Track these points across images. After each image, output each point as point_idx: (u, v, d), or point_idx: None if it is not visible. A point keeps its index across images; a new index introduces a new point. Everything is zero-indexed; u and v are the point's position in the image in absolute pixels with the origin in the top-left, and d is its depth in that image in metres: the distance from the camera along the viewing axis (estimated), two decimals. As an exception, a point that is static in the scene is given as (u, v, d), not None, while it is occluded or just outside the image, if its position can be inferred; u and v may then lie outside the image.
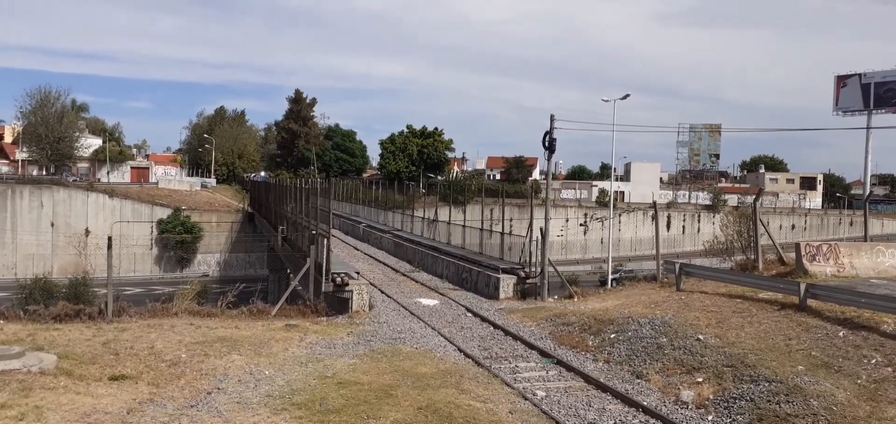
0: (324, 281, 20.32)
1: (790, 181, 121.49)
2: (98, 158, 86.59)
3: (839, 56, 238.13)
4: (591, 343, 17.08)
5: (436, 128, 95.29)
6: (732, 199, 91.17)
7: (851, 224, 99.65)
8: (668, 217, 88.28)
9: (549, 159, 26.30)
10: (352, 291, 20.51)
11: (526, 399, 12.99)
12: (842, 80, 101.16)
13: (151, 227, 65.00)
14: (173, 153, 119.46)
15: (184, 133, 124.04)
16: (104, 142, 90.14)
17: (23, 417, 10.40)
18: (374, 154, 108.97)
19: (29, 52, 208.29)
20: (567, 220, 78.85)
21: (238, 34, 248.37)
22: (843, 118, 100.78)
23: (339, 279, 20.52)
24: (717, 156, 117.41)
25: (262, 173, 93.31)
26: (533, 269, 23.94)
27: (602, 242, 74.44)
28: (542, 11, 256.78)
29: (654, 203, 33.01)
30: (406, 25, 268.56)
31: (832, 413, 11.46)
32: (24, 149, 79.83)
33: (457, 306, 22.40)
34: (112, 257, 18.59)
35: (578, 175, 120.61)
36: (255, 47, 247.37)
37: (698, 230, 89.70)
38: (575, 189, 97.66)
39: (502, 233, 27.35)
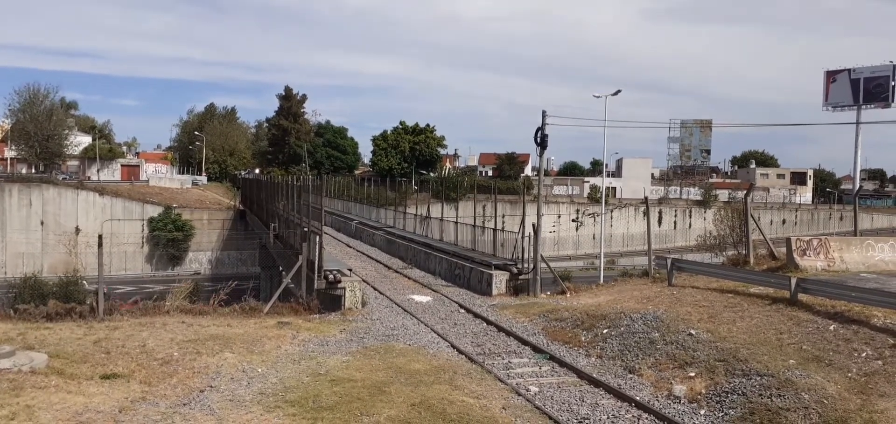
0: (316, 278, 20.27)
1: (780, 176, 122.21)
2: (88, 156, 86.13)
3: (828, 52, 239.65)
4: (583, 338, 17.13)
5: (427, 125, 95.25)
6: (723, 195, 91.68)
7: (841, 218, 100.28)
8: (660, 212, 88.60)
9: (541, 155, 26.31)
10: (344, 288, 20.47)
11: (519, 394, 13.01)
12: (831, 76, 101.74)
13: (142, 225, 64.69)
14: (164, 150, 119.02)
15: (174, 130, 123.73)
16: (94, 139, 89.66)
17: (14, 416, 10.33)
18: (365, 151, 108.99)
19: (17, 50, 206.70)
20: (559, 216, 78.94)
21: (227, 32, 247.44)
22: (833, 113, 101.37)
23: (331, 276, 20.47)
24: (708, 152, 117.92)
25: (256, 170, 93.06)
26: (525, 265, 23.96)
27: (594, 238, 74.61)
28: (532, 9, 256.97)
29: (646, 198, 33.11)
30: (395, 23, 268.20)
31: (823, 406, 11.53)
32: (13, 147, 79.29)
33: (450, 302, 22.40)
34: (103, 255, 18.48)
35: (570, 171, 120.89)
36: (245, 45, 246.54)
37: (690, 225, 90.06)
38: (567, 185, 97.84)
39: (495, 230, 27.36)
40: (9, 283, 39.78)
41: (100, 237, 19.30)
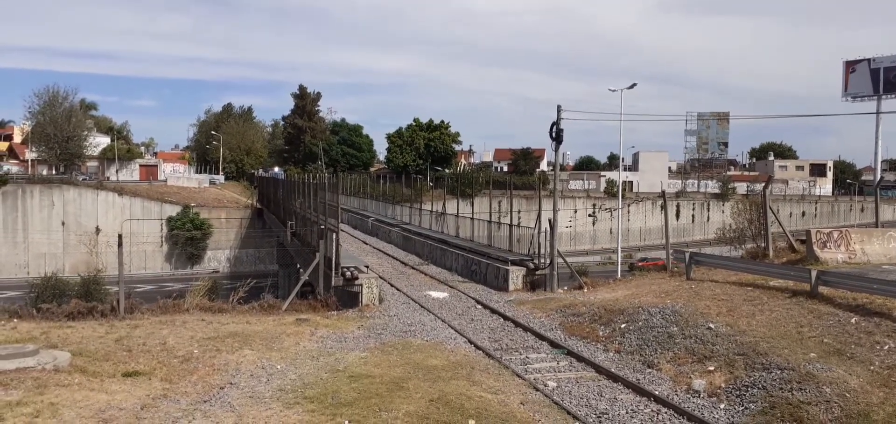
0: (333, 275, 20.37)
1: (800, 168, 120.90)
2: (107, 157, 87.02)
3: (847, 41, 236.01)
4: (601, 333, 17.07)
5: (442, 122, 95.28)
6: (742, 187, 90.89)
7: (862, 210, 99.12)
8: (678, 206, 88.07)
9: (556, 150, 26.26)
10: (361, 285, 20.55)
11: (537, 389, 13.00)
12: (850, 66, 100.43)
13: (161, 225, 65.37)
14: (181, 150, 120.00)
15: (191, 130, 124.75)
16: (113, 140, 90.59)
17: (38, 414, 10.49)
18: (380, 148, 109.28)
19: (34, 53, 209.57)
20: (576, 211, 78.79)
21: (241, 31, 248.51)
22: (853, 104, 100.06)
23: (348, 273, 20.56)
24: (726, 145, 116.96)
25: (276, 168, 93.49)
26: (542, 260, 23.90)
27: (611, 232, 74.36)
28: (544, 2, 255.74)
29: (664, 192, 32.89)
30: (408, 19, 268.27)
31: (845, 399, 11.40)
32: (34, 149, 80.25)
33: (466, 298, 22.42)
34: (123, 255, 18.71)
35: (586, 165, 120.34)
36: (258, 44, 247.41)
37: (708, 219, 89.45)
38: (583, 179, 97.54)
39: (511, 225, 27.31)
40: (31, 283, 40.30)
41: (119, 236, 19.56)
